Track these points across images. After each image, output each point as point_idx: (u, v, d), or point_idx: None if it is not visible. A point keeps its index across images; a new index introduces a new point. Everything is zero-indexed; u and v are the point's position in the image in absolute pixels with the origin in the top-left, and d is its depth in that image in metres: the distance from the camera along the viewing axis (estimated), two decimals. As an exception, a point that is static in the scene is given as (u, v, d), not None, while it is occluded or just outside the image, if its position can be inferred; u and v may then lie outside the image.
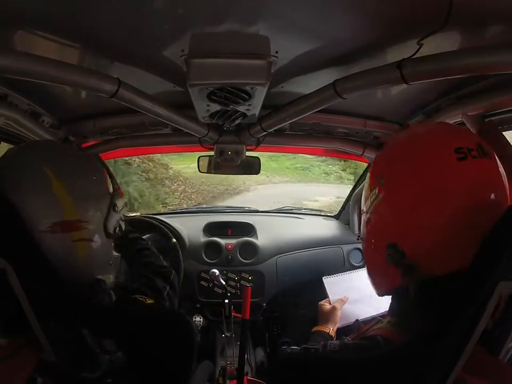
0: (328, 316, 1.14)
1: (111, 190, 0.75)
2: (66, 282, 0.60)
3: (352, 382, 0.54)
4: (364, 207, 0.69)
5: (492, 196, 0.56)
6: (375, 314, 1.12)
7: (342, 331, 1.14)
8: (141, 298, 0.78)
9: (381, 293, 0.69)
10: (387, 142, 0.71)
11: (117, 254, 0.79)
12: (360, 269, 1.33)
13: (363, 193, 0.70)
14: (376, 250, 0.64)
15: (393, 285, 0.62)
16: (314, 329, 1.12)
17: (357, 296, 1.22)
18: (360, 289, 1.22)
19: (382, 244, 0.61)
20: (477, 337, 0.43)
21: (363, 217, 0.70)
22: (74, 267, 0.65)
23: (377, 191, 0.63)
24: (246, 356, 1.42)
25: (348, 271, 1.32)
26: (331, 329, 1.09)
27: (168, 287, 0.91)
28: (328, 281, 1.28)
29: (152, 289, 0.85)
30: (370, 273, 0.70)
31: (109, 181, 0.77)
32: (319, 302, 1.21)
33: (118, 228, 0.76)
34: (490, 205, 0.55)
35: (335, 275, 1.30)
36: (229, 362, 1.52)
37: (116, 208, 0.74)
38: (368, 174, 0.69)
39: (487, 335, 0.45)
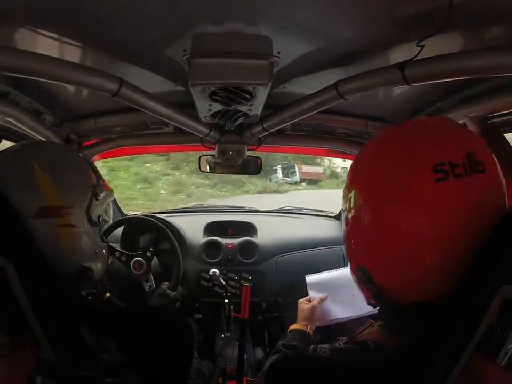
0: (307, 314, 1.11)
1: (94, 182, 0.78)
2: (54, 272, 0.62)
3: None
4: (343, 220, 0.62)
5: (480, 215, 0.48)
6: (357, 314, 1.12)
7: (335, 335, 1.13)
8: None
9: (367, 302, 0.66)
10: (366, 143, 0.63)
11: (103, 243, 0.81)
12: (344, 268, 1.29)
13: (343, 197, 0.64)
14: (351, 266, 0.61)
15: (371, 300, 0.61)
16: (292, 327, 1.10)
17: (339, 296, 1.19)
18: (343, 288, 1.19)
19: (353, 262, 0.58)
20: (476, 343, 0.42)
21: (344, 230, 0.62)
22: (59, 253, 0.68)
23: (347, 202, 0.57)
24: (245, 356, 1.42)
25: (332, 270, 1.29)
26: (309, 328, 1.08)
27: None
28: (310, 279, 1.25)
29: None
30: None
31: (90, 174, 0.80)
32: (299, 300, 1.18)
33: (101, 217, 0.79)
34: (477, 225, 0.47)
35: (318, 273, 1.28)
36: (228, 362, 1.52)
37: (98, 198, 0.77)
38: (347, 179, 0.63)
39: (485, 338, 0.45)
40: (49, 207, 0.66)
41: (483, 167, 0.49)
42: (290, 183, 13.87)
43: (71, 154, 0.80)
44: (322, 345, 0.66)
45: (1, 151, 0.73)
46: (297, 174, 14.12)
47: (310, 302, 1.17)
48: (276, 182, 13.72)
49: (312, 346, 0.66)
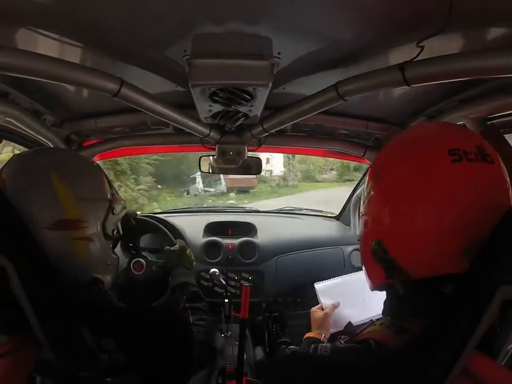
0: (320, 322, 1.11)
1: (109, 195, 0.78)
2: (65, 281, 0.62)
3: None
4: (362, 208, 0.68)
5: (489, 200, 0.52)
6: (368, 317, 1.12)
7: (336, 334, 1.13)
8: None
9: (373, 288, 0.69)
10: (386, 142, 0.69)
11: (115, 255, 0.81)
12: (353, 273, 1.30)
13: (362, 194, 0.70)
14: (365, 245, 0.64)
15: (381, 281, 0.62)
16: (306, 335, 1.10)
17: (350, 301, 1.19)
18: (353, 293, 1.19)
19: (370, 239, 0.62)
20: (476, 342, 0.42)
21: (361, 218, 0.68)
22: (73, 265, 0.68)
23: (370, 188, 0.63)
24: (245, 356, 1.42)
25: (340, 276, 1.30)
26: (323, 336, 1.07)
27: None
28: (319, 287, 1.25)
29: None
30: (364, 268, 0.70)
31: (107, 186, 0.79)
32: (312, 309, 1.18)
33: (116, 230, 0.79)
34: (483, 211, 0.51)
35: (327, 280, 1.28)
36: (228, 362, 1.52)
37: (114, 211, 0.77)
38: (367, 175, 0.69)
39: (485, 338, 0.45)
40: (67, 220, 0.66)
41: (491, 159, 0.55)
42: (215, 194, 11.72)
43: (89, 165, 0.79)
44: (323, 344, 0.65)
45: (15, 157, 0.71)
46: (223, 182, 11.94)
47: (322, 309, 1.17)
48: (196, 194, 11.71)
49: (313, 345, 0.65)
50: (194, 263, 1.37)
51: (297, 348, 1.02)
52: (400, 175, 0.58)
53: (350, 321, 1.05)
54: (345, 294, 1.20)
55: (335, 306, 1.16)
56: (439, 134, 0.60)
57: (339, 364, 0.56)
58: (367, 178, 0.68)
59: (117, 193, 0.83)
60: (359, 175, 2.00)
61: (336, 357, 0.60)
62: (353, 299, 1.18)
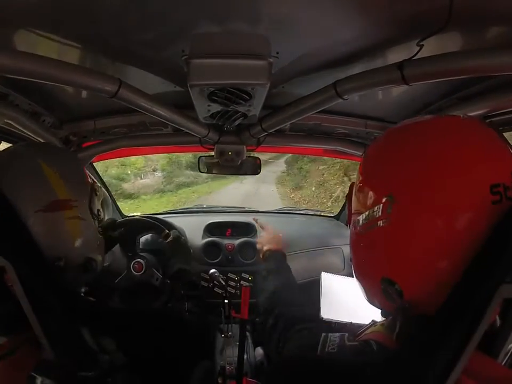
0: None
1: (89, 179, 0.83)
2: (61, 268, 0.65)
3: None
4: (356, 219, 0.59)
5: None
6: (357, 322, 1.16)
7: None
8: None
9: (370, 303, 0.66)
10: (393, 139, 0.57)
11: (101, 236, 0.85)
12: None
13: (357, 194, 0.60)
14: (369, 275, 0.58)
15: (384, 308, 0.60)
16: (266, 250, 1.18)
17: (345, 299, 1.25)
18: (351, 296, 1.25)
19: (378, 273, 0.55)
20: (477, 342, 0.42)
21: (354, 229, 0.60)
22: (68, 247, 0.71)
23: (379, 210, 0.52)
24: (245, 356, 1.42)
25: (345, 277, 1.35)
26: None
27: None
28: (326, 276, 1.31)
29: None
30: (361, 286, 0.65)
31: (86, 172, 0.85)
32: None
33: (99, 211, 0.84)
34: None
35: (335, 274, 1.33)
36: (228, 362, 1.52)
37: (97, 193, 0.82)
38: (363, 178, 0.60)
39: (486, 338, 0.45)
40: (59, 201, 0.70)
41: None
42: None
43: (70, 153, 0.86)
44: (333, 336, 0.63)
45: (4, 151, 0.75)
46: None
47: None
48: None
49: (322, 336, 0.63)
50: (192, 250, 1.39)
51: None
52: (430, 209, 0.47)
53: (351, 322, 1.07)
54: (344, 292, 1.24)
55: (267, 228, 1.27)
56: (480, 160, 0.48)
57: (340, 366, 0.55)
58: (369, 187, 0.57)
59: (94, 181, 0.87)
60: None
61: (342, 356, 0.59)
62: (349, 300, 1.22)
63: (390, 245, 0.52)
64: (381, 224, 0.52)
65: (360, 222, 0.57)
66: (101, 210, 0.84)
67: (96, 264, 0.78)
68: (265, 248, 1.19)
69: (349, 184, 0.67)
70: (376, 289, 0.56)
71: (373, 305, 0.64)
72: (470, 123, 0.55)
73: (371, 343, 0.57)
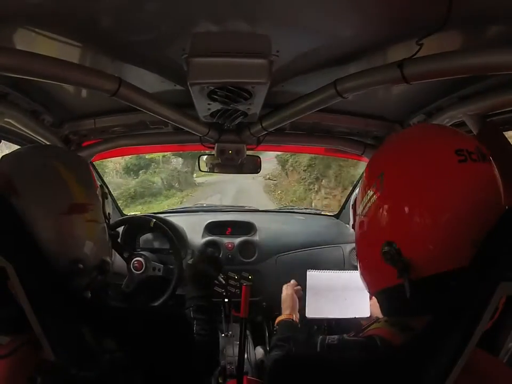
0: (288, 303, 1.17)
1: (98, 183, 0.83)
2: (81, 268, 0.67)
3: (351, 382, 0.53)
4: (359, 208, 0.68)
5: (488, 199, 0.56)
6: (345, 317, 1.19)
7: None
8: None
9: (373, 293, 0.68)
10: (385, 142, 0.70)
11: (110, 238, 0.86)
12: (347, 271, 1.34)
13: (358, 193, 0.69)
14: (371, 249, 0.63)
15: (387, 284, 0.62)
16: (279, 319, 1.14)
17: (333, 295, 1.25)
18: (338, 290, 1.25)
19: (378, 242, 0.61)
20: (477, 339, 0.42)
21: (357, 218, 0.68)
22: (87, 247, 0.72)
23: (374, 189, 0.62)
24: (245, 355, 1.42)
25: (336, 271, 1.33)
26: (294, 316, 1.12)
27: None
28: (311, 273, 1.30)
29: None
30: (363, 273, 0.69)
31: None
32: (284, 288, 1.25)
33: (109, 214, 0.84)
34: (486, 207, 0.54)
35: (321, 271, 1.32)
36: (228, 362, 1.52)
37: (107, 196, 0.83)
38: (364, 174, 0.69)
39: (486, 335, 0.45)
40: (78, 204, 0.70)
41: (489, 159, 0.58)
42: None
43: (80, 158, 0.84)
44: (331, 336, 0.66)
45: (13, 153, 0.74)
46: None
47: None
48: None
49: (320, 337, 0.66)
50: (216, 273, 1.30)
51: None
52: (408, 174, 0.58)
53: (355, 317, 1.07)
54: (331, 287, 1.24)
55: (294, 284, 1.23)
56: (444, 134, 0.62)
57: (347, 361, 0.56)
58: (366, 178, 0.67)
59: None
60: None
61: (344, 351, 0.61)
62: (336, 295, 1.23)
63: (385, 210, 0.60)
64: (376, 197, 0.62)
65: (361, 207, 0.66)
66: (111, 213, 0.85)
67: (109, 266, 0.78)
68: (279, 319, 1.16)
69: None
70: (378, 258, 0.60)
71: (370, 287, 0.68)
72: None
73: (375, 339, 0.58)
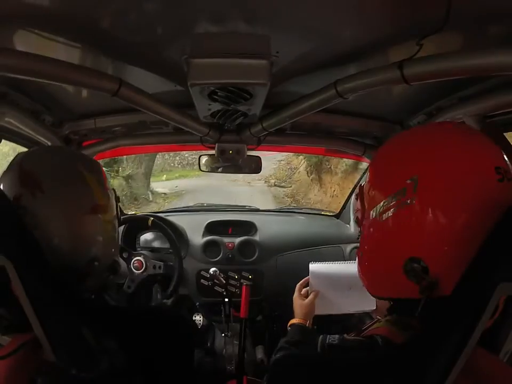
0: (305, 309, 1.13)
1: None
2: (97, 266, 0.69)
3: (352, 382, 0.53)
4: (373, 210, 0.62)
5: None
6: (354, 310, 1.17)
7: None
8: None
9: (375, 296, 0.67)
10: (411, 139, 0.63)
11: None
12: (349, 262, 1.31)
13: (368, 189, 0.64)
14: (389, 260, 0.59)
15: (399, 295, 0.59)
16: (291, 322, 1.12)
17: (336, 289, 1.22)
18: (341, 282, 1.22)
19: (400, 255, 0.56)
20: (476, 339, 0.43)
21: (370, 221, 0.63)
22: (103, 247, 0.74)
23: (402, 195, 0.56)
24: (245, 355, 1.42)
25: (338, 262, 1.31)
26: (308, 322, 1.10)
27: None
28: (313, 266, 1.27)
29: None
30: (369, 277, 0.67)
31: None
32: (294, 297, 1.20)
33: (120, 216, 0.87)
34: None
35: (322, 263, 1.30)
36: (228, 362, 1.53)
37: (119, 199, 0.85)
38: (379, 172, 0.64)
39: (486, 336, 0.45)
40: (100, 205, 0.73)
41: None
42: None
43: (96, 161, 0.87)
44: (331, 336, 0.65)
45: (33, 152, 0.76)
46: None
47: (307, 293, 1.18)
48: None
49: (321, 336, 0.65)
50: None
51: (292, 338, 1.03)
52: (449, 187, 0.54)
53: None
54: (334, 280, 1.22)
55: (316, 295, 1.18)
56: (486, 146, 0.58)
57: (345, 362, 0.56)
58: (385, 178, 0.62)
59: None
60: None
61: (345, 350, 0.60)
62: (339, 288, 1.21)
63: (417, 221, 0.55)
64: (407, 204, 0.56)
65: (379, 209, 0.60)
66: (120, 214, 0.87)
67: (119, 267, 0.81)
68: (291, 322, 1.13)
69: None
70: (396, 270, 0.57)
71: (375, 292, 0.66)
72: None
73: (376, 338, 0.58)
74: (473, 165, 0.54)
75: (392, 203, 0.58)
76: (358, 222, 0.69)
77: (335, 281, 1.22)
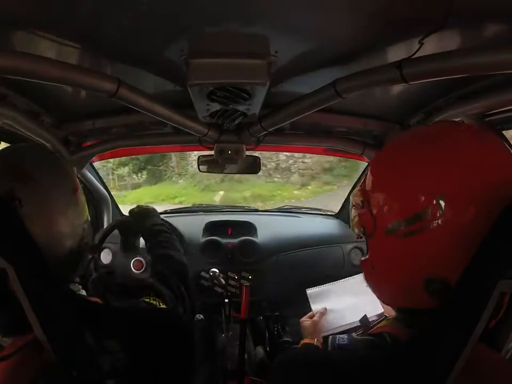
0: (311, 329, 1.12)
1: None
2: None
3: (361, 381, 0.53)
4: (391, 223, 0.57)
5: None
6: (349, 323, 1.14)
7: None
8: (154, 302, 0.86)
9: (385, 303, 0.67)
10: (424, 150, 0.57)
11: None
12: (343, 280, 1.30)
13: (381, 204, 0.59)
14: (407, 275, 0.56)
15: (413, 305, 0.58)
16: (301, 343, 1.10)
17: (340, 304, 1.21)
18: (344, 296, 1.22)
19: (421, 272, 0.54)
20: (477, 336, 0.43)
21: (387, 235, 0.58)
22: (87, 225, 0.79)
23: (430, 212, 0.52)
24: (246, 355, 1.42)
25: (331, 283, 1.31)
26: (316, 340, 1.08)
27: (182, 288, 0.99)
28: (310, 291, 1.28)
29: (166, 287, 0.96)
30: (384, 292, 0.64)
31: None
32: (300, 320, 1.18)
33: None
34: None
35: (318, 287, 1.29)
36: (229, 362, 1.52)
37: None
38: (396, 183, 0.58)
39: (488, 334, 0.45)
40: (77, 185, 0.77)
41: None
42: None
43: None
44: (340, 335, 0.64)
45: (11, 149, 0.76)
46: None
47: (311, 317, 1.17)
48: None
49: (330, 337, 0.64)
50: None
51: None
52: (476, 207, 0.51)
53: (365, 315, 1.05)
54: (336, 297, 1.23)
55: (323, 313, 1.17)
56: (505, 158, 0.55)
57: (357, 358, 0.56)
58: (404, 192, 0.57)
59: None
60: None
61: (354, 349, 0.60)
62: (341, 304, 1.21)
63: (442, 243, 0.52)
64: (434, 225, 0.52)
65: (399, 227, 0.56)
66: None
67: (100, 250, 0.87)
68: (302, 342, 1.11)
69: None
70: (417, 289, 0.55)
71: (387, 302, 0.65)
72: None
73: (384, 336, 0.59)
74: (500, 179, 0.52)
75: (416, 223, 0.54)
76: (364, 234, 0.64)
77: (335, 298, 1.23)
